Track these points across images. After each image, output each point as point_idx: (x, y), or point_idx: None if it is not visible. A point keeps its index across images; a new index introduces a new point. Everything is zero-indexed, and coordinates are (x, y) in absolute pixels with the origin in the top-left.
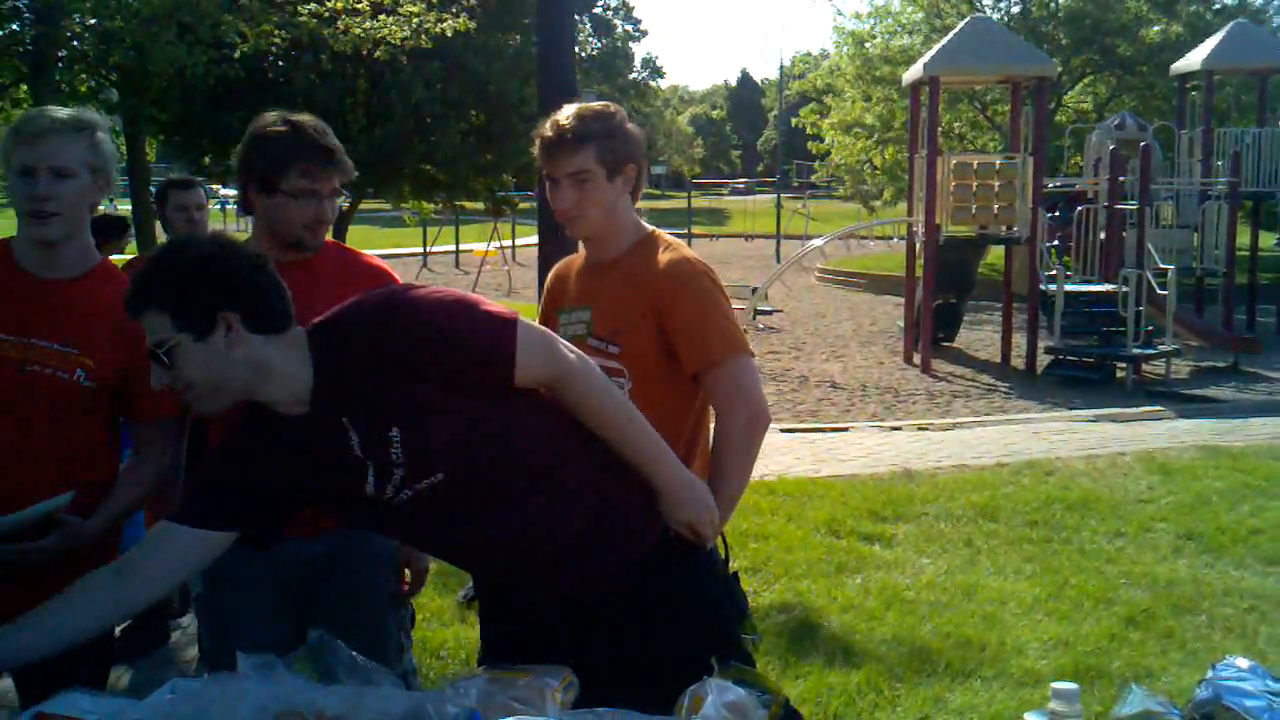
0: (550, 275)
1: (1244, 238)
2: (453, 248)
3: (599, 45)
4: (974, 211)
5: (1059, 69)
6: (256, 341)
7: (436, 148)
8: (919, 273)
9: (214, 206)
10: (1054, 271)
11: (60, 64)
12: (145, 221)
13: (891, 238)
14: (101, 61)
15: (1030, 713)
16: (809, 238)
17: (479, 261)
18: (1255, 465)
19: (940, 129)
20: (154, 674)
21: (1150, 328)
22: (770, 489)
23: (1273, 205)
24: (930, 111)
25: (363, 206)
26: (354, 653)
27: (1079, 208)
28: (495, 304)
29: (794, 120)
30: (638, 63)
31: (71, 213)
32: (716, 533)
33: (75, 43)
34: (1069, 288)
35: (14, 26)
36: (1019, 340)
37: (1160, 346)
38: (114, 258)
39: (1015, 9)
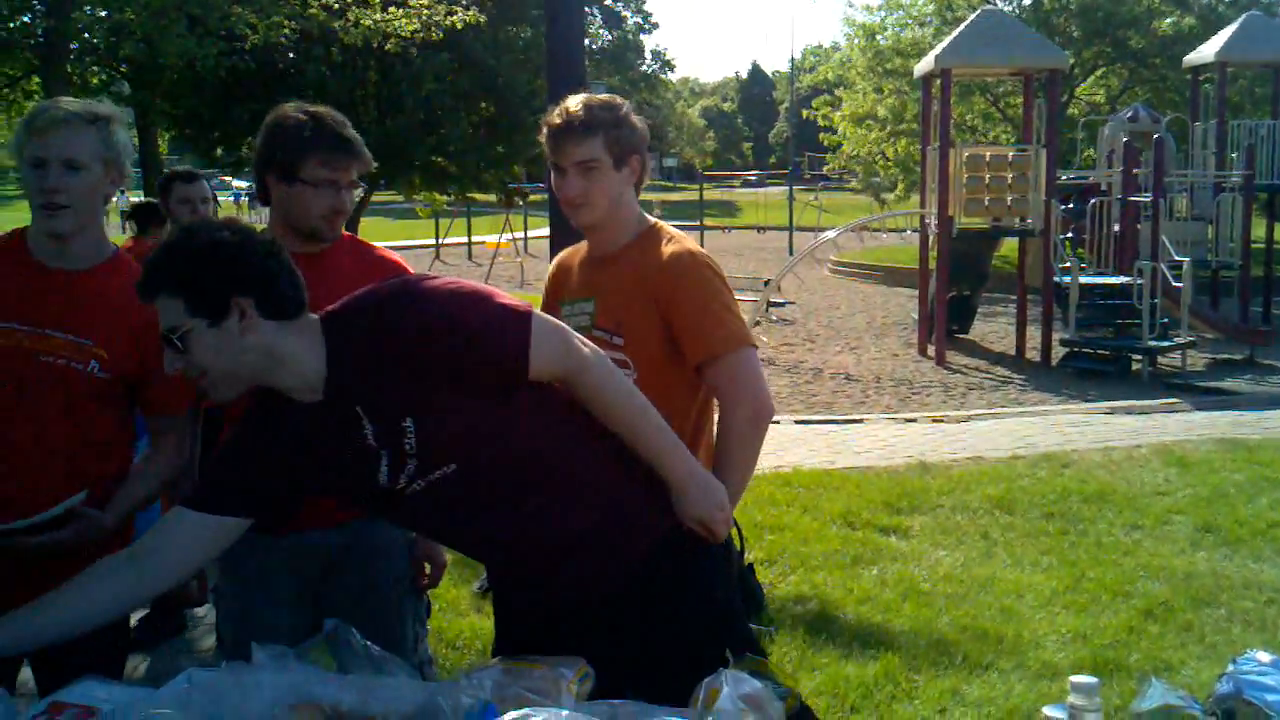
0: (552, 266)
1: (1259, 230)
2: (465, 240)
3: (609, 38)
4: (987, 203)
5: (1071, 61)
6: (270, 328)
7: (447, 140)
8: (932, 265)
9: (227, 198)
10: (1068, 264)
11: (71, 56)
12: None
13: (905, 230)
14: (112, 54)
15: (1048, 706)
16: (821, 230)
17: (491, 253)
18: (1273, 458)
19: (952, 121)
20: (172, 663)
21: (1165, 320)
22: (785, 481)
23: None
24: (942, 104)
25: (375, 198)
26: (368, 643)
27: (1092, 200)
28: (509, 297)
29: (805, 112)
30: (648, 55)
31: (83, 205)
32: (728, 529)
33: (86, 35)
34: (1083, 280)
35: (25, 19)
36: (1034, 332)
37: (1176, 339)
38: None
39: (1027, 1)
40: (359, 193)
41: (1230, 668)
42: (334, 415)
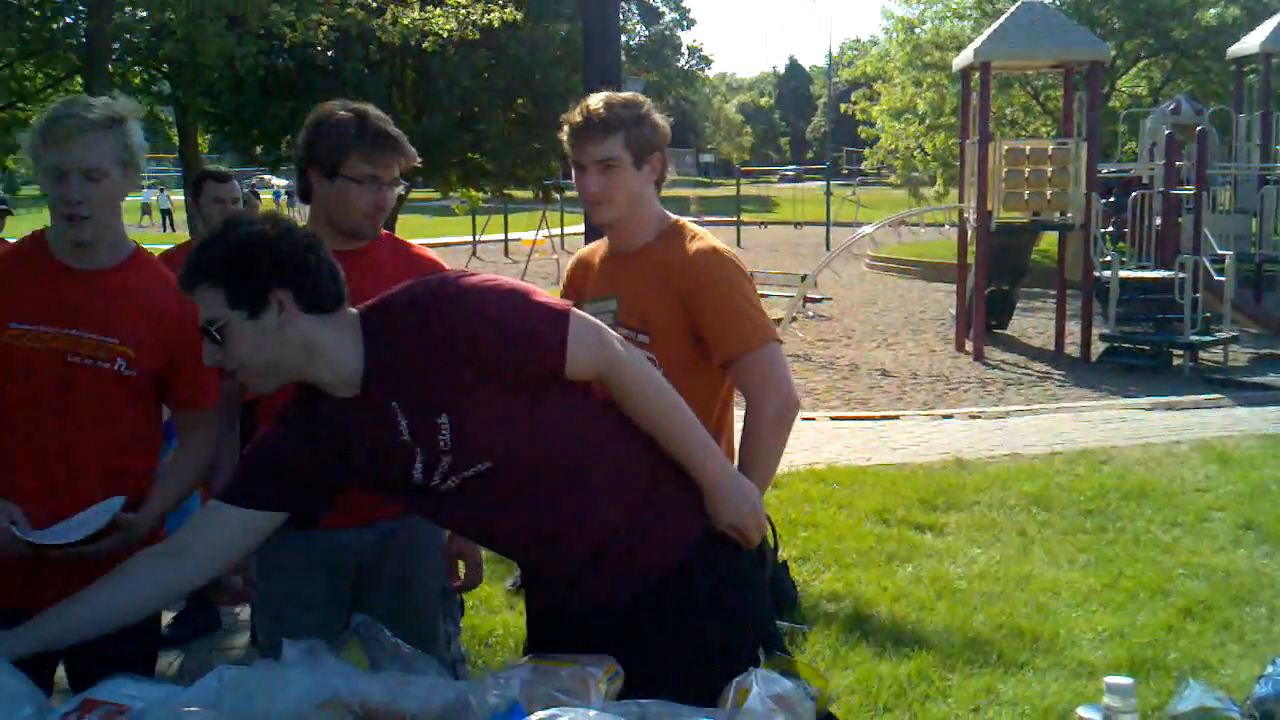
0: (571, 263)
1: None
2: (501, 236)
3: (646, 33)
4: (1026, 197)
5: (1113, 53)
6: (308, 321)
7: (484, 137)
8: (971, 259)
9: (267, 196)
10: (1109, 258)
11: (113, 57)
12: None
13: (943, 224)
14: (152, 54)
15: (1083, 707)
16: (859, 225)
17: (527, 250)
18: None
19: (992, 114)
20: (206, 659)
21: (1208, 315)
22: (820, 477)
23: None
24: (981, 97)
25: (412, 196)
26: (398, 640)
27: (1134, 193)
28: (548, 294)
29: (843, 106)
30: (685, 51)
31: (104, 211)
32: (761, 533)
33: (128, 36)
34: (1124, 274)
35: (68, 20)
36: (1073, 328)
37: (1218, 333)
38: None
39: None
40: (398, 190)
41: (1270, 669)
42: (370, 411)
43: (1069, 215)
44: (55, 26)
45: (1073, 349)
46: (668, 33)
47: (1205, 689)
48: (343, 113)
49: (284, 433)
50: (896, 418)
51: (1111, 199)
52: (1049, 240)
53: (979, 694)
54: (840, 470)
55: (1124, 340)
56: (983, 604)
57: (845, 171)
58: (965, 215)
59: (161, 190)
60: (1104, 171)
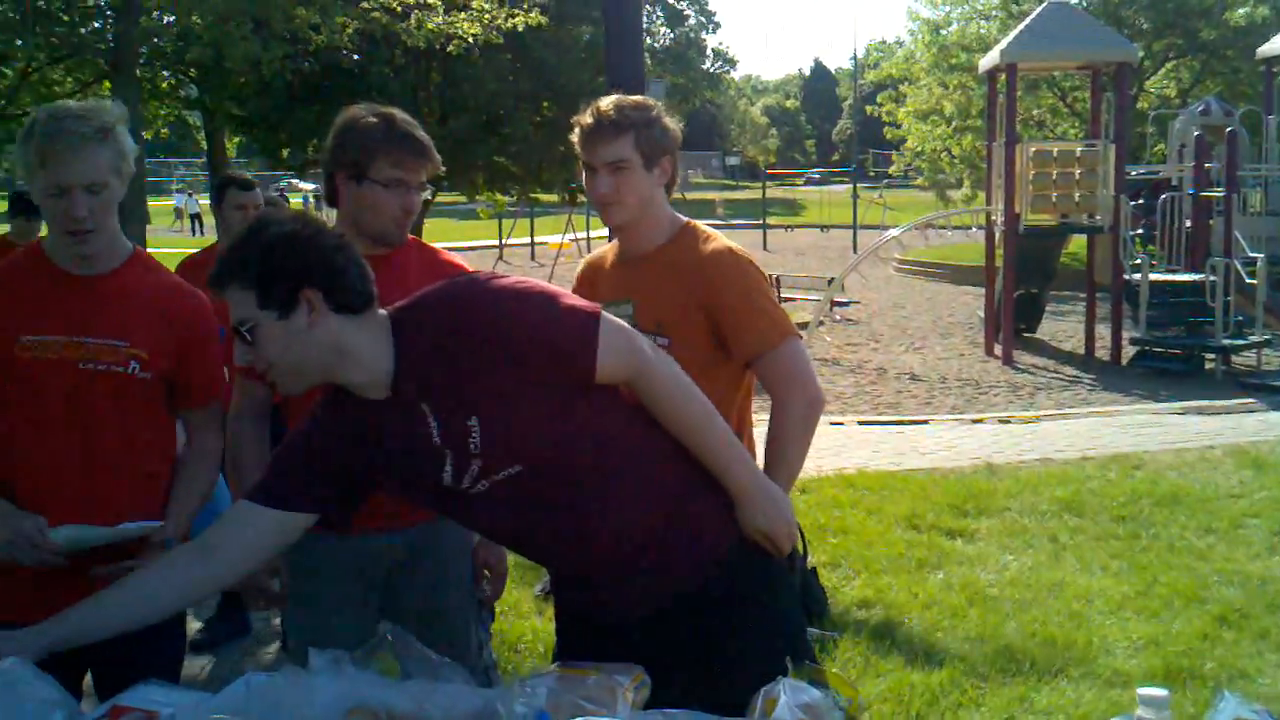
0: (580, 269)
1: None
2: (528, 240)
3: (671, 36)
4: (1054, 200)
5: (1140, 54)
6: (338, 322)
7: (509, 140)
8: (999, 262)
9: (296, 200)
10: (1139, 261)
11: (141, 61)
12: None
13: (970, 227)
14: (179, 58)
15: (1116, 718)
16: (886, 228)
17: (554, 253)
18: None
19: (1019, 116)
20: (237, 665)
21: (1239, 318)
22: (849, 482)
23: None
24: (1008, 99)
25: (438, 200)
26: (425, 648)
27: (1164, 195)
28: (577, 298)
29: (869, 109)
30: (709, 53)
31: (106, 221)
32: (792, 542)
33: (155, 40)
34: (1154, 277)
35: (96, 24)
36: (1103, 331)
37: (1250, 337)
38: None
39: None
40: (431, 194)
41: None
42: (400, 413)
43: (1098, 218)
44: (83, 31)
45: (1103, 353)
46: (692, 35)
47: (1240, 701)
48: (370, 117)
49: (313, 434)
50: (925, 422)
51: (1140, 201)
52: (1078, 243)
53: (1012, 703)
54: (869, 475)
55: (1155, 344)
56: (1015, 611)
57: (872, 174)
58: (993, 218)
59: (190, 195)
60: (1133, 173)
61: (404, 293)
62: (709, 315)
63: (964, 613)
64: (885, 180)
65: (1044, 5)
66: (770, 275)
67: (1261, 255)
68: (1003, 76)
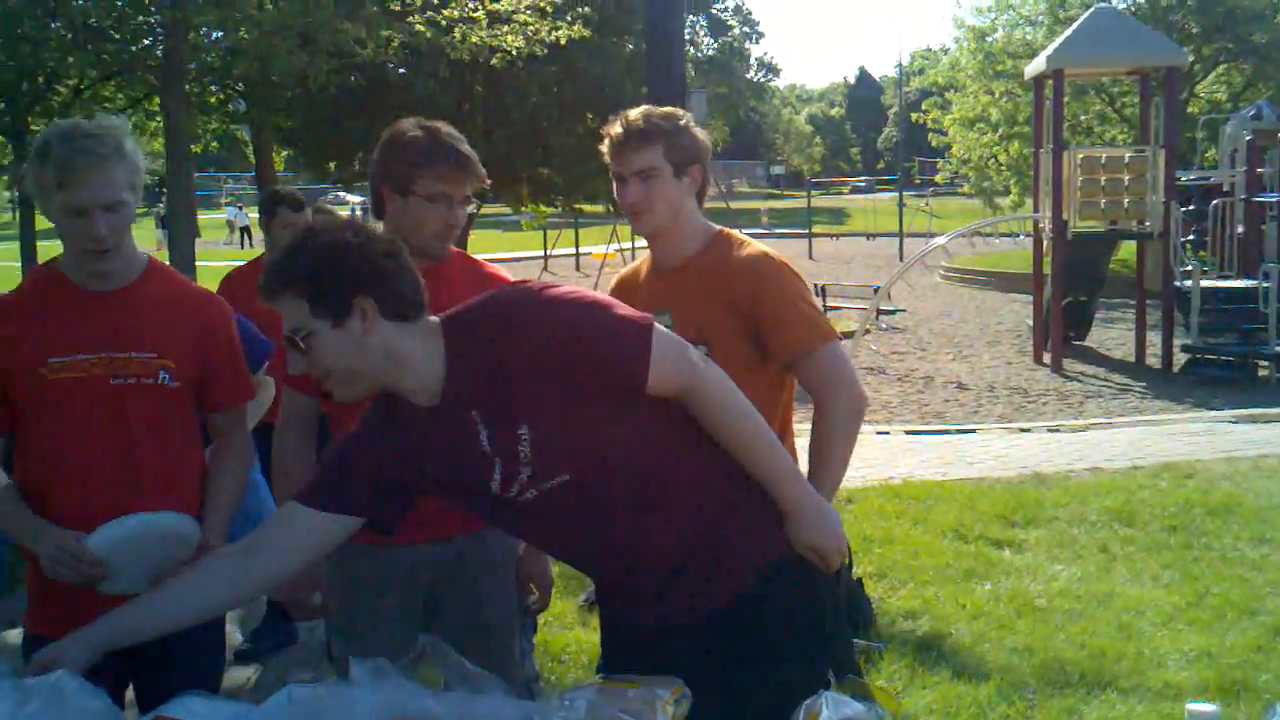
0: (614, 283)
1: None
2: (572, 251)
3: (715, 46)
4: (1103, 206)
5: (1190, 58)
6: (391, 329)
7: (553, 152)
8: (1047, 270)
9: (342, 212)
10: (1190, 267)
11: (190, 77)
12: None
13: (1018, 234)
14: (227, 73)
15: None
16: (932, 236)
17: (598, 264)
18: None
19: (1066, 122)
20: (283, 675)
21: None
22: (895, 492)
23: None
24: (1055, 105)
25: (483, 211)
26: (464, 659)
27: (1215, 201)
28: (630, 308)
29: (915, 116)
30: (753, 63)
31: (124, 238)
32: (841, 557)
33: (205, 57)
34: (1206, 283)
35: (146, 42)
36: (1154, 338)
37: None
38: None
39: None
40: (475, 207)
41: None
42: (450, 419)
43: (1147, 224)
44: (134, 49)
45: (1154, 360)
46: (736, 45)
47: None
48: (416, 131)
49: (363, 438)
50: (973, 431)
51: (1191, 207)
52: (1128, 250)
53: (1061, 715)
54: (915, 485)
55: (1207, 351)
56: (1064, 623)
57: (918, 181)
58: (1040, 225)
59: (240, 208)
60: (1184, 179)
61: (448, 304)
62: (747, 321)
63: (1012, 624)
64: (931, 188)
65: (1091, 10)
66: (815, 284)
67: None
68: (1049, 83)
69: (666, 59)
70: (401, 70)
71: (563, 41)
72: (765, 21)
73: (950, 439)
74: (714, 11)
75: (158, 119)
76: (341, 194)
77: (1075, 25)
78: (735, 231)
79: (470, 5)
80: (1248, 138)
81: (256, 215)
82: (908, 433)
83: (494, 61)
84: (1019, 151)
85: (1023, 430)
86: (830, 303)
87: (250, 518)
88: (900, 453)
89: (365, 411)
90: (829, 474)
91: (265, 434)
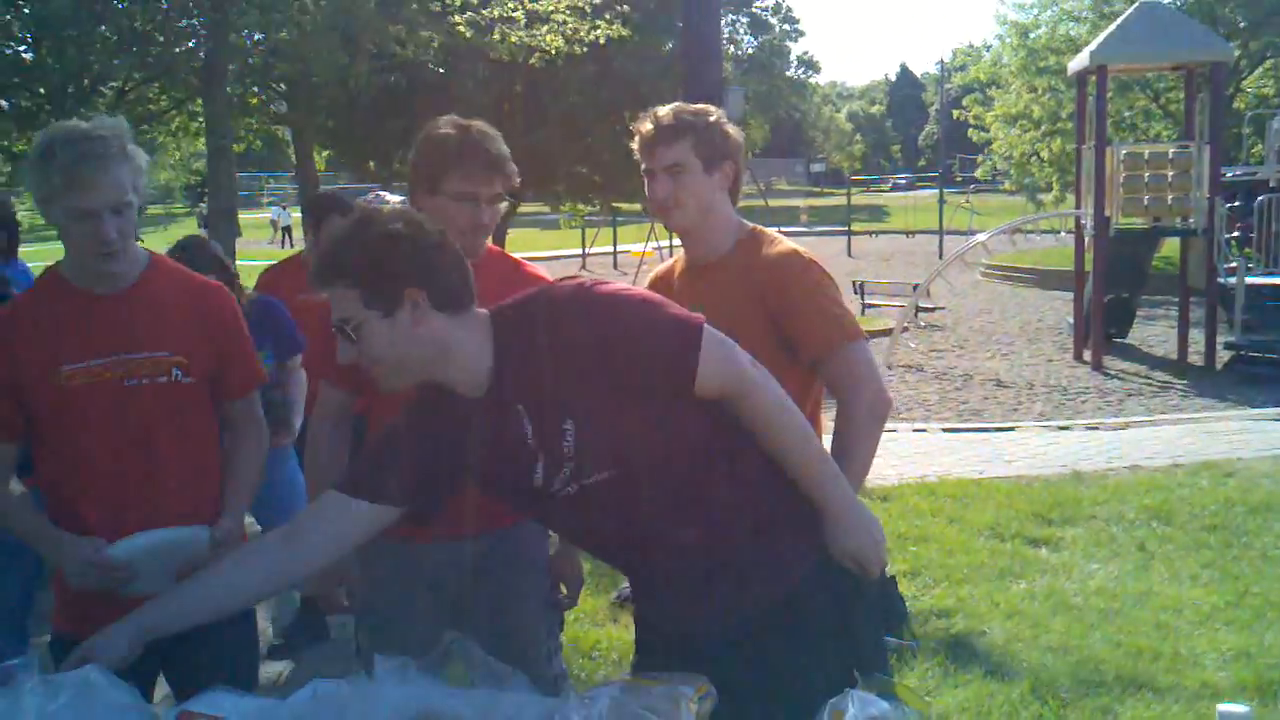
0: (649, 280)
1: None
2: (610, 249)
3: (755, 44)
4: (1146, 203)
5: (1237, 53)
6: (440, 320)
7: (591, 150)
8: (1088, 267)
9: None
10: (1234, 264)
11: (231, 78)
12: None
13: (1059, 231)
14: (268, 74)
15: None
16: (973, 233)
17: (636, 261)
18: None
19: (1109, 118)
20: (315, 669)
21: None
22: (931, 490)
23: None
24: (1098, 101)
25: (522, 210)
26: (488, 656)
27: (1260, 197)
28: (680, 308)
29: (956, 113)
30: (793, 60)
31: (130, 239)
32: (881, 565)
33: (248, 60)
34: (1250, 280)
35: (189, 45)
36: (1196, 336)
37: None
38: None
39: None
40: (504, 206)
41: None
42: (495, 412)
43: (1191, 220)
44: (176, 50)
45: (1196, 358)
46: (776, 44)
47: None
48: (447, 130)
49: (406, 428)
50: (1012, 429)
51: (1237, 203)
52: (1171, 246)
53: (1095, 715)
54: (952, 483)
55: (1250, 348)
56: (1100, 622)
57: (959, 179)
58: (1082, 222)
59: (284, 208)
60: (1229, 175)
61: (481, 304)
62: (774, 319)
63: (1047, 623)
64: (973, 185)
65: (1135, 5)
66: (854, 281)
67: None
68: (1093, 79)
69: (702, 57)
70: (440, 70)
71: (601, 41)
72: (806, 19)
73: (988, 437)
74: (755, 10)
75: (199, 120)
76: (381, 193)
77: (1119, 20)
78: (768, 230)
79: (510, 4)
80: None
81: (299, 215)
82: (945, 430)
83: (533, 61)
84: (1061, 148)
85: (1061, 428)
86: (869, 300)
87: (286, 507)
88: (937, 450)
89: (408, 402)
90: (850, 475)
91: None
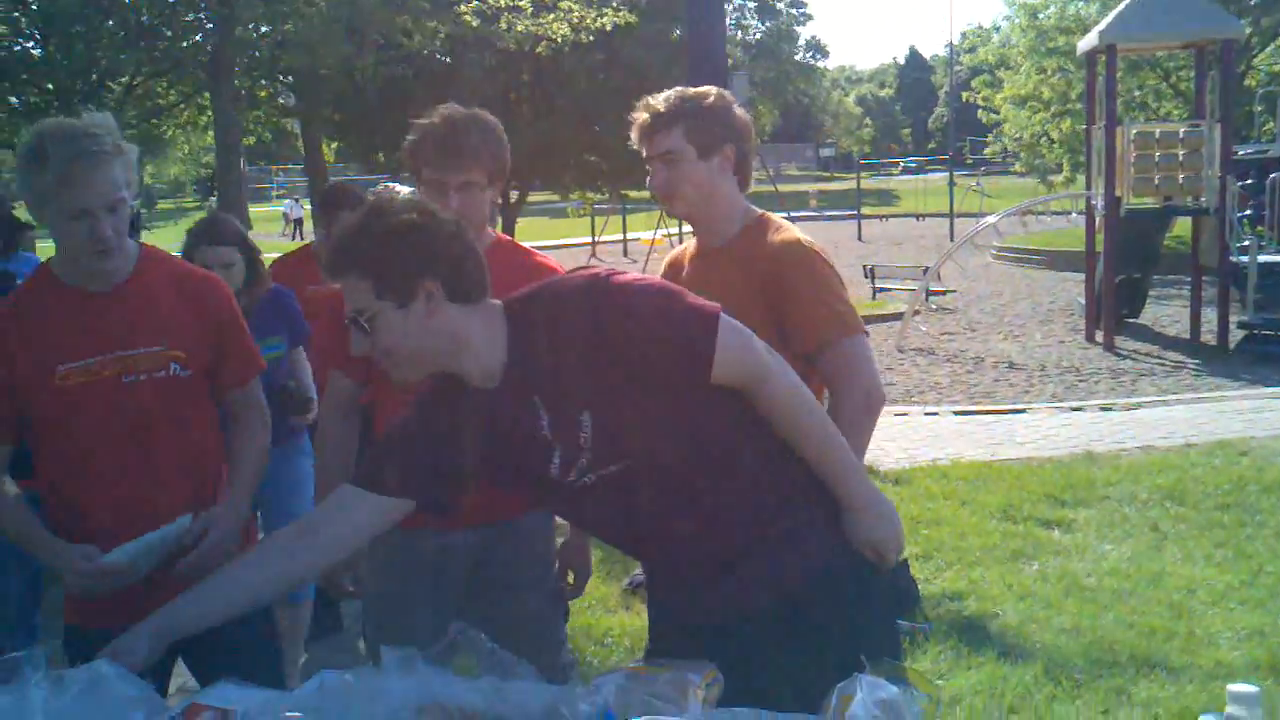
0: (663, 265)
1: None
2: (620, 237)
3: (763, 28)
4: (1157, 182)
5: (1248, 30)
6: (455, 311)
7: (599, 138)
8: (1099, 248)
9: None
10: (1246, 243)
11: (238, 71)
12: None
13: (1070, 212)
14: (275, 66)
15: (1205, 715)
16: (983, 215)
17: (646, 249)
18: None
19: (1119, 98)
20: (329, 660)
21: None
22: (943, 473)
23: None
24: (1108, 81)
25: (532, 198)
26: (494, 645)
27: (1273, 175)
28: (697, 297)
29: (965, 95)
30: (801, 45)
31: (124, 236)
32: (898, 556)
33: (254, 53)
34: (1262, 259)
35: (198, 38)
36: (1209, 315)
37: None
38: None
39: None
40: (488, 195)
41: None
42: (510, 403)
43: (1202, 199)
44: (184, 45)
45: (1209, 337)
46: (784, 28)
47: None
48: (430, 119)
49: (420, 421)
50: (1023, 411)
51: (1249, 181)
52: (1182, 226)
53: (1109, 695)
54: (964, 465)
55: (1263, 327)
56: (1113, 602)
57: (969, 162)
58: (1093, 202)
59: (296, 200)
60: (1241, 153)
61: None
62: (772, 307)
63: (1059, 604)
64: (983, 167)
65: None
66: (864, 265)
67: None
68: (1102, 58)
69: (707, 43)
70: (447, 60)
71: (608, 28)
72: (814, 3)
73: (1000, 419)
74: None
75: (208, 114)
76: (390, 184)
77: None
78: (775, 216)
79: None
80: None
81: (309, 207)
82: (957, 413)
83: (540, 50)
84: (1071, 128)
85: (1074, 409)
86: (880, 284)
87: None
88: (949, 433)
89: (421, 394)
90: None
91: None
